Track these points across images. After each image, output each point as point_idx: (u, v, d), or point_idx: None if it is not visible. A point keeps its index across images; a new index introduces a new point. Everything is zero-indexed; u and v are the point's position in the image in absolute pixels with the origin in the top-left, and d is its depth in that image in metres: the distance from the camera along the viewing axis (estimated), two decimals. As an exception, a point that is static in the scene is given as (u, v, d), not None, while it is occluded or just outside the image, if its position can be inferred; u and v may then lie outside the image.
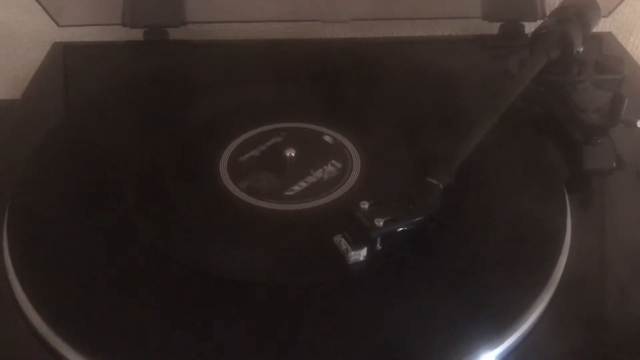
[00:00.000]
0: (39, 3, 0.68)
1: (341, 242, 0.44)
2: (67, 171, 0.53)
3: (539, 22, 0.63)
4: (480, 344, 0.39)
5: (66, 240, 0.47)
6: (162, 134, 0.56)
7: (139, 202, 0.49)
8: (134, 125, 0.58)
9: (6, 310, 0.43)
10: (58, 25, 0.70)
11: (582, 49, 0.58)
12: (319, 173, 0.52)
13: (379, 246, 0.44)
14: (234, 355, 0.39)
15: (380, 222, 0.43)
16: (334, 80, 0.62)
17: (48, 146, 0.55)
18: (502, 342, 0.40)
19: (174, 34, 0.71)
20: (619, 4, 0.70)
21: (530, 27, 0.70)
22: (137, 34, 0.71)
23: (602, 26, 0.66)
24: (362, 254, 0.43)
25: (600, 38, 0.71)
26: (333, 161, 0.53)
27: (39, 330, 0.41)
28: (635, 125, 0.53)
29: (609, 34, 0.72)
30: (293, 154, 0.53)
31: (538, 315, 0.42)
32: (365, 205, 0.44)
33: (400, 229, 0.44)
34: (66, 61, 0.70)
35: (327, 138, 0.56)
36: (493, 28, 0.72)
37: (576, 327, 0.42)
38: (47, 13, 0.69)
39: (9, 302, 0.43)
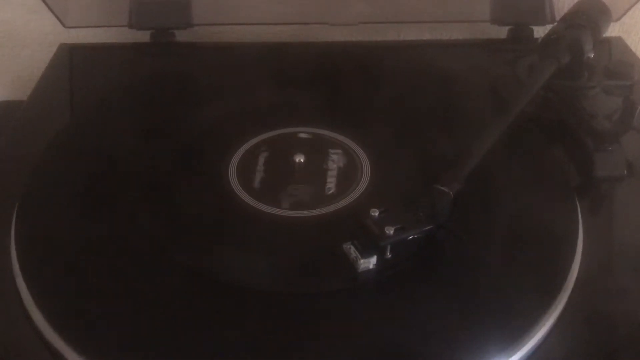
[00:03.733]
0: (46, 4, 0.68)
1: (351, 249, 0.43)
2: (75, 173, 0.53)
3: (548, 26, 0.63)
4: (493, 354, 0.39)
5: (73, 241, 0.46)
6: (169, 136, 0.56)
7: (146, 204, 0.49)
8: (141, 127, 0.58)
9: (12, 311, 0.43)
10: (64, 26, 0.70)
11: (592, 55, 0.57)
12: (332, 165, 0.52)
13: (388, 254, 0.44)
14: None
15: (390, 230, 0.43)
16: (341, 84, 0.62)
17: (55, 147, 0.55)
18: (515, 351, 0.39)
19: (181, 35, 0.71)
20: (630, 8, 0.70)
21: (539, 31, 0.70)
22: (143, 36, 0.71)
23: (611, 31, 0.66)
24: (371, 262, 0.43)
25: (610, 43, 0.70)
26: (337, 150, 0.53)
27: (44, 332, 0.41)
28: (646, 132, 0.52)
29: (619, 38, 0.72)
30: (302, 160, 0.52)
31: (552, 323, 0.41)
32: (375, 213, 0.44)
33: (411, 237, 0.44)
34: (72, 63, 0.70)
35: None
36: (502, 32, 0.72)
37: (589, 334, 0.42)
38: (54, 14, 0.69)
39: (15, 303, 0.43)
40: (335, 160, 0.53)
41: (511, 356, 0.39)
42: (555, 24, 0.61)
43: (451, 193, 0.45)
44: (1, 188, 0.52)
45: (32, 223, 0.48)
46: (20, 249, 0.45)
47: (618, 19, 0.70)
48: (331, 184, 0.51)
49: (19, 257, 0.45)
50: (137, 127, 0.57)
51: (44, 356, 0.40)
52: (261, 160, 0.53)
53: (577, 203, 0.49)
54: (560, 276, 0.43)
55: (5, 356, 0.41)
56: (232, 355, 0.39)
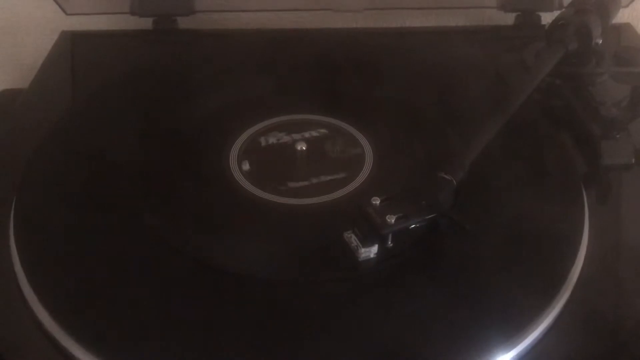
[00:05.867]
0: (47, -9, 0.67)
1: (352, 238, 0.43)
2: (75, 162, 0.52)
3: (556, 12, 0.62)
4: (493, 346, 0.38)
5: (73, 232, 0.46)
6: (170, 124, 0.55)
7: (147, 194, 0.49)
8: (142, 115, 0.57)
9: (12, 304, 0.42)
10: (66, 13, 0.70)
11: (601, 41, 0.56)
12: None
13: (390, 243, 0.43)
14: (240, 350, 0.39)
15: (391, 219, 0.42)
16: (345, 71, 0.61)
17: (56, 137, 0.54)
18: (515, 345, 0.39)
19: (184, 22, 0.71)
20: (639, -7, 0.69)
21: (546, 18, 0.69)
22: (146, 23, 0.70)
23: (620, 17, 0.65)
24: (372, 251, 0.43)
25: (618, 29, 0.69)
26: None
27: (45, 324, 0.40)
28: (655, 119, 0.52)
29: (628, 25, 0.71)
30: (304, 147, 0.52)
31: (554, 317, 0.41)
32: (376, 201, 0.43)
33: (413, 226, 0.43)
34: (74, 50, 0.69)
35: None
36: (508, 18, 0.71)
37: (592, 330, 0.41)
38: (55, 1, 0.69)
39: (15, 295, 0.43)
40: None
41: (510, 350, 0.39)
42: (563, 9, 0.60)
43: (454, 181, 0.45)
44: (0, 177, 0.52)
45: (31, 214, 0.47)
46: (20, 240, 0.45)
47: (627, 5, 0.69)
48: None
49: (18, 249, 0.44)
50: (138, 116, 0.57)
51: (46, 349, 0.40)
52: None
53: (584, 192, 0.48)
54: (564, 267, 0.43)
55: (7, 349, 0.40)
56: (233, 343, 0.39)
